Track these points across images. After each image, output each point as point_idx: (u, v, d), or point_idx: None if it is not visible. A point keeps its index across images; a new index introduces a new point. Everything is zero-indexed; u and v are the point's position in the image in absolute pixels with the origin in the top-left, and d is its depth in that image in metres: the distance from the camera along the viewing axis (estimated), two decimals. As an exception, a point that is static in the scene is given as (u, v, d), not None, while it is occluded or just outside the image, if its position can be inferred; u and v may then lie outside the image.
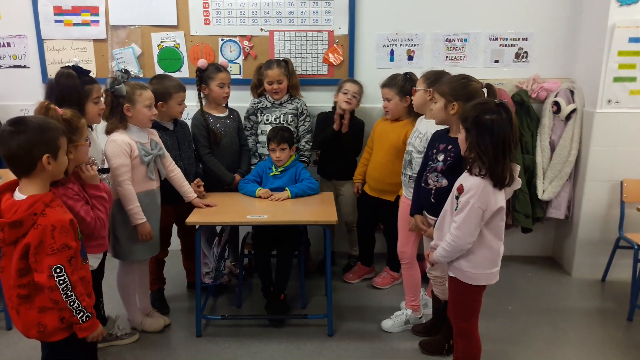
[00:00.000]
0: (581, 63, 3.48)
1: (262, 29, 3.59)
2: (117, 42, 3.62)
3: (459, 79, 2.31)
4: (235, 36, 3.60)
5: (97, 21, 3.58)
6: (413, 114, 3.08)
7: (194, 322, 2.83)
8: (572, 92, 3.45)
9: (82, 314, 1.79)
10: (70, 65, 2.36)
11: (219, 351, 2.69)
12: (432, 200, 2.38)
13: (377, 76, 3.28)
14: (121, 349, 2.72)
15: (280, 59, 3.36)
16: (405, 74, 3.12)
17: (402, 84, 3.07)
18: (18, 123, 1.71)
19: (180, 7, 3.55)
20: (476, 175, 1.97)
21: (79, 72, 2.33)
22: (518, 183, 2.04)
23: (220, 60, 3.51)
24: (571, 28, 3.50)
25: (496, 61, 3.59)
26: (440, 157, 2.33)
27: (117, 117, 2.57)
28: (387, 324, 2.90)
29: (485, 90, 2.22)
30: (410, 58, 3.62)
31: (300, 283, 3.22)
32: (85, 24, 3.59)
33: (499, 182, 1.96)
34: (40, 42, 3.63)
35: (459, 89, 2.26)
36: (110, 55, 3.64)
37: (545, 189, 3.52)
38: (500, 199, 1.99)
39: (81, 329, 1.82)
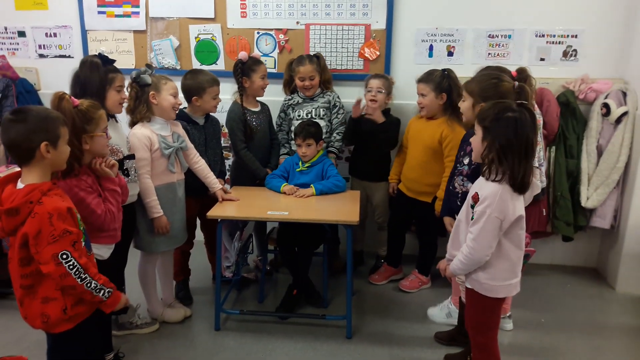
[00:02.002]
0: (636, 63, 3.21)
1: (298, 22, 3.54)
2: (156, 33, 3.67)
3: (490, 78, 2.18)
4: (271, 29, 3.57)
5: (138, 13, 3.65)
6: (449, 112, 2.97)
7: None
8: (624, 94, 3.20)
9: (102, 291, 1.80)
10: (96, 53, 2.39)
11: (235, 346, 2.69)
12: (459, 203, 2.27)
13: (415, 72, 3.15)
14: (140, 338, 2.76)
15: (312, 54, 3.31)
16: (444, 70, 3.00)
17: (439, 80, 2.95)
18: (19, 112, 1.73)
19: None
20: (493, 180, 1.85)
21: (104, 61, 2.36)
22: (537, 187, 1.90)
23: (255, 52, 3.49)
24: (625, 25, 3.25)
25: (542, 59, 3.38)
26: (466, 161, 2.22)
27: (143, 107, 2.59)
28: (432, 311, 2.90)
29: (517, 90, 2.08)
30: (450, 54, 3.47)
31: (323, 281, 3.17)
32: (127, 15, 3.66)
33: (520, 187, 1.83)
34: (84, 32, 3.74)
35: (488, 89, 2.14)
36: (149, 46, 3.70)
37: (589, 196, 3.29)
38: (519, 206, 1.86)
39: (106, 305, 1.85)
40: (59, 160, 1.81)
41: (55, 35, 3.79)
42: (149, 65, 2.64)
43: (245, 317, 2.95)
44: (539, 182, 1.91)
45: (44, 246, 1.68)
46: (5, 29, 3.81)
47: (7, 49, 3.84)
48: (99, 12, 3.68)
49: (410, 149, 3.17)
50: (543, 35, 3.35)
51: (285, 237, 3.02)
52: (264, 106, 3.31)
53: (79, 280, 1.74)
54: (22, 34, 3.82)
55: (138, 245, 2.73)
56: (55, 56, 3.83)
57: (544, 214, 3.30)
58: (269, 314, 2.98)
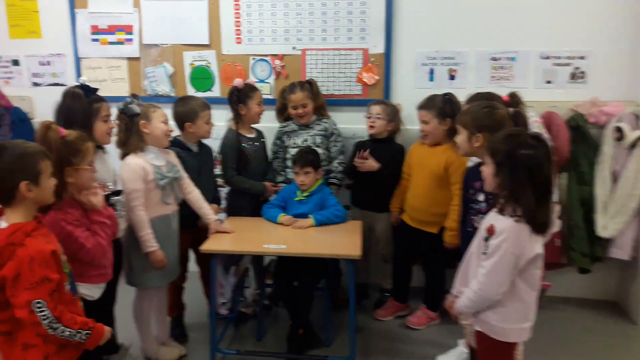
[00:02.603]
0: (649, 85, 3.08)
1: (294, 48, 3.44)
2: (150, 60, 3.58)
3: (482, 107, 2.07)
4: (267, 55, 3.48)
5: (131, 40, 3.57)
6: (454, 137, 2.83)
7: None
8: (637, 117, 3.05)
9: (79, 335, 1.70)
10: (78, 83, 2.28)
11: (229, 390, 2.50)
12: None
13: (415, 97, 3.04)
14: (131, 380, 2.59)
15: (305, 80, 3.21)
16: (445, 94, 2.88)
17: (441, 105, 2.83)
18: None
19: (212, 26, 3.48)
20: (510, 216, 1.69)
21: (85, 91, 2.26)
22: (557, 225, 1.74)
23: (250, 79, 3.39)
24: (636, 45, 3.12)
25: (548, 82, 3.25)
26: (481, 197, 2.08)
27: (134, 138, 2.47)
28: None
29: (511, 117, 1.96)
30: (452, 78, 3.35)
31: (325, 317, 2.98)
32: (120, 42, 3.59)
33: (540, 228, 1.67)
34: (77, 60, 3.66)
35: (482, 119, 2.02)
36: (142, 74, 3.60)
37: (606, 225, 3.10)
38: (537, 245, 1.70)
39: (89, 344, 1.75)
40: (43, 196, 1.71)
41: (49, 63, 3.71)
42: (134, 95, 2.53)
43: (242, 357, 2.76)
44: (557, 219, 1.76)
45: (21, 291, 1.58)
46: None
47: (1, 78, 3.77)
48: (93, 40, 3.61)
49: (414, 177, 3.02)
50: (549, 57, 3.23)
51: (283, 271, 2.84)
52: (259, 132, 3.19)
53: (51, 330, 1.64)
54: (16, 62, 3.74)
55: (130, 281, 2.58)
56: (50, 84, 3.75)
57: (557, 244, 3.11)
58: (267, 354, 2.79)
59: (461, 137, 2.16)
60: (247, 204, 3.06)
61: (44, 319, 1.60)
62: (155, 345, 2.75)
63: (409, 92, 3.32)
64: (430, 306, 3.12)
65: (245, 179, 3.04)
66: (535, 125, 2.89)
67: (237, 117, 3.03)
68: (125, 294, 2.63)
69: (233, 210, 3.11)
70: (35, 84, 3.77)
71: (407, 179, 3.10)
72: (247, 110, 3.02)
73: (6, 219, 1.65)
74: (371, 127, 3.12)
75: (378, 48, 3.37)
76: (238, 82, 3.00)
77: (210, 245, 2.56)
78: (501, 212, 1.74)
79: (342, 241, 2.60)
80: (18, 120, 3.56)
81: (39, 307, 1.59)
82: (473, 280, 1.82)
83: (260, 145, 3.15)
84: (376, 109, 3.10)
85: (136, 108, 2.44)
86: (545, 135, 2.82)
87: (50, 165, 1.71)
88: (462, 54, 3.30)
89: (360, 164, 3.06)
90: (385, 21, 3.32)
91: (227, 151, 3.01)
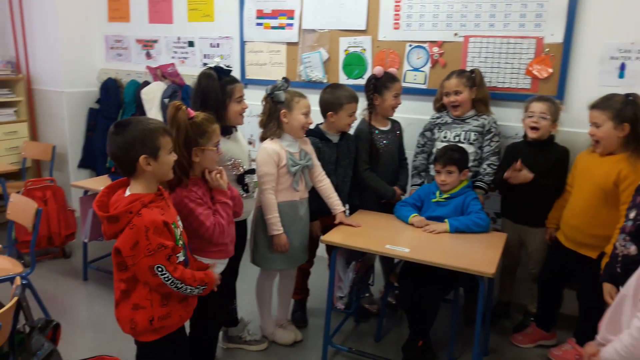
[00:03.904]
0: None
1: (456, 34, 3.15)
2: (307, 46, 3.61)
3: None
4: (425, 42, 3.24)
5: (292, 25, 3.63)
6: (632, 148, 2.33)
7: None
8: None
9: (197, 290, 1.82)
10: (212, 65, 2.34)
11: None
12: (618, 270, 1.69)
13: (598, 95, 2.52)
14: (246, 355, 2.69)
15: (467, 70, 2.92)
16: (628, 95, 2.36)
17: (620, 107, 2.33)
18: (119, 125, 1.73)
19: (371, 10, 3.36)
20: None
21: (219, 73, 2.31)
22: None
23: (404, 67, 3.21)
24: None
25: None
26: (632, 214, 1.65)
27: (273, 124, 2.51)
28: None
29: None
30: (649, 75, 2.75)
31: (450, 333, 2.71)
32: (281, 27, 3.67)
33: None
34: (242, 43, 3.86)
35: None
36: (299, 59, 3.65)
37: None
38: None
39: (204, 293, 1.86)
40: (162, 171, 1.78)
41: (218, 45, 3.98)
42: (285, 79, 2.53)
43: (354, 356, 2.66)
44: None
45: (141, 258, 1.68)
46: (178, 38, 4.13)
47: (178, 58, 4.16)
48: (257, 24, 3.76)
49: (576, 190, 2.56)
50: None
51: (408, 275, 2.64)
52: (394, 124, 3.00)
53: (175, 289, 1.75)
54: (191, 43, 4.09)
55: (254, 260, 2.64)
56: (210, 64, 4.01)
57: None
58: (379, 359, 2.64)
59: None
60: (376, 198, 2.92)
61: (167, 280, 1.71)
62: (273, 326, 2.80)
63: (591, 90, 2.78)
64: (581, 341, 2.64)
65: (377, 177, 2.88)
66: None
67: (371, 107, 2.88)
68: (254, 271, 2.70)
69: (360, 203, 2.98)
70: (205, 65, 4.05)
71: (569, 192, 2.64)
72: (382, 101, 2.85)
73: (130, 188, 1.76)
74: (534, 128, 2.71)
75: (556, 37, 2.91)
76: (378, 70, 2.84)
77: (332, 237, 2.48)
78: None
79: (476, 254, 2.31)
80: (187, 97, 3.88)
81: (161, 271, 1.69)
82: (625, 332, 1.45)
83: (394, 139, 2.95)
84: (540, 107, 2.69)
85: (281, 96, 2.46)
86: None
87: (170, 142, 1.77)
88: (664, 46, 2.68)
89: (514, 176, 2.69)
90: (568, 5, 2.84)
91: (358, 143, 2.88)
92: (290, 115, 2.49)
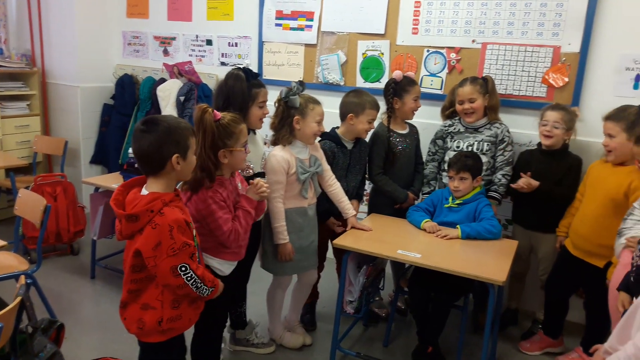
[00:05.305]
0: None
1: (474, 41, 3.16)
2: (325, 48, 3.63)
3: None
4: (443, 47, 3.26)
5: (311, 26, 3.65)
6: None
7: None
8: None
9: (208, 291, 1.82)
10: (241, 67, 2.36)
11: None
12: (632, 279, 1.70)
13: (613, 106, 2.55)
14: (253, 357, 2.69)
15: (480, 77, 2.93)
16: (641, 106, 2.37)
17: (634, 119, 2.34)
18: (149, 122, 1.70)
19: (390, 14, 3.38)
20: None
21: (247, 74, 2.32)
22: None
23: (421, 72, 3.22)
24: None
25: None
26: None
27: (285, 129, 2.48)
28: None
29: None
30: (664, 88, 2.75)
31: (459, 340, 2.73)
32: (300, 28, 3.70)
33: None
34: (260, 44, 3.89)
35: None
36: (317, 61, 3.67)
37: None
38: None
39: (210, 297, 1.87)
40: (186, 171, 1.79)
41: (236, 44, 4.01)
42: (300, 82, 2.49)
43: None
44: None
45: (163, 259, 1.66)
46: (197, 36, 4.16)
47: (196, 56, 4.19)
48: (276, 25, 3.79)
49: (587, 199, 2.58)
50: None
51: (419, 281, 2.66)
52: (412, 128, 3.02)
53: (196, 289, 1.75)
54: (209, 42, 4.13)
55: (264, 266, 2.65)
56: (234, 65, 4.03)
57: None
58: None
59: None
60: (390, 202, 2.93)
61: (189, 280, 1.71)
62: (281, 329, 2.80)
63: (605, 100, 2.82)
64: (589, 350, 2.64)
65: (390, 181, 2.89)
66: None
67: (390, 111, 2.89)
68: (264, 273, 2.71)
69: (373, 207, 3.01)
70: (223, 64, 4.11)
71: (581, 200, 2.65)
72: (402, 104, 2.87)
73: (148, 187, 1.75)
74: (547, 136, 2.73)
75: (573, 46, 2.92)
76: (397, 74, 2.85)
77: (343, 240, 2.49)
78: None
79: (487, 261, 2.32)
80: (203, 95, 3.93)
81: (184, 271, 1.69)
82: (630, 343, 1.46)
83: (411, 144, 2.97)
84: (554, 116, 2.70)
85: (296, 101, 2.42)
86: None
87: (195, 142, 1.78)
88: (683, 59, 2.68)
89: (523, 188, 2.71)
90: (586, 16, 2.85)
91: (374, 147, 2.89)
92: (304, 122, 2.46)
